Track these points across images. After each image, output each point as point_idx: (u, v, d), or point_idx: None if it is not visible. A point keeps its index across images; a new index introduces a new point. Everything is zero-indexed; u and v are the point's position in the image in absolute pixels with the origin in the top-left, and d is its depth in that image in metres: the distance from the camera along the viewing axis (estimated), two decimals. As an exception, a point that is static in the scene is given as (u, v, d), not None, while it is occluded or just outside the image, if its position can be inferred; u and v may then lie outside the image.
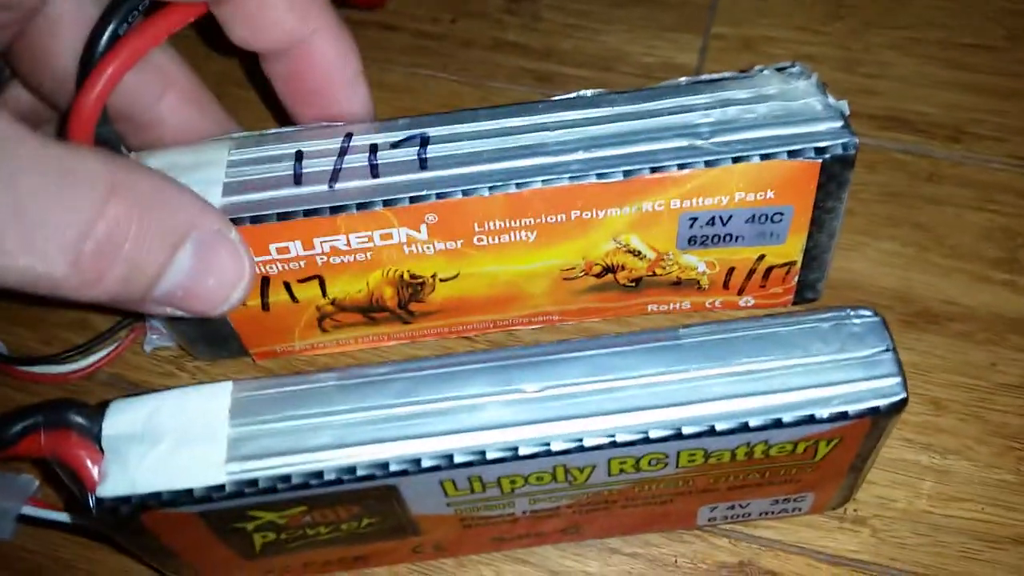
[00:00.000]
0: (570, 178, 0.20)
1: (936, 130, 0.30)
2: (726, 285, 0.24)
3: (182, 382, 0.27)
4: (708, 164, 0.20)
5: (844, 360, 0.19)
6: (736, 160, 0.20)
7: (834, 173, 0.21)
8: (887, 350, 0.19)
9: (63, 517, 0.23)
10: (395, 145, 0.20)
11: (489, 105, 0.22)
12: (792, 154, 0.20)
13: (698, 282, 0.24)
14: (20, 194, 0.16)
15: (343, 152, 0.20)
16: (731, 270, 0.23)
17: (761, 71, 0.22)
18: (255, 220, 0.20)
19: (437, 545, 0.23)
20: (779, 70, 0.22)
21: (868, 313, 0.20)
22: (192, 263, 0.19)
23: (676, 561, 0.23)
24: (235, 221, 0.20)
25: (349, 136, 0.21)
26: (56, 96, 0.23)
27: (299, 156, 0.20)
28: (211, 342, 0.25)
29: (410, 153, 0.20)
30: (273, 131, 0.22)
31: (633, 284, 0.24)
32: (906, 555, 0.23)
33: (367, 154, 0.20)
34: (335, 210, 0.20)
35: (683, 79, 0.22)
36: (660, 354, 0.19)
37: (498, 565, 0.24)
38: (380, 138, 0.21)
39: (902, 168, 0.30)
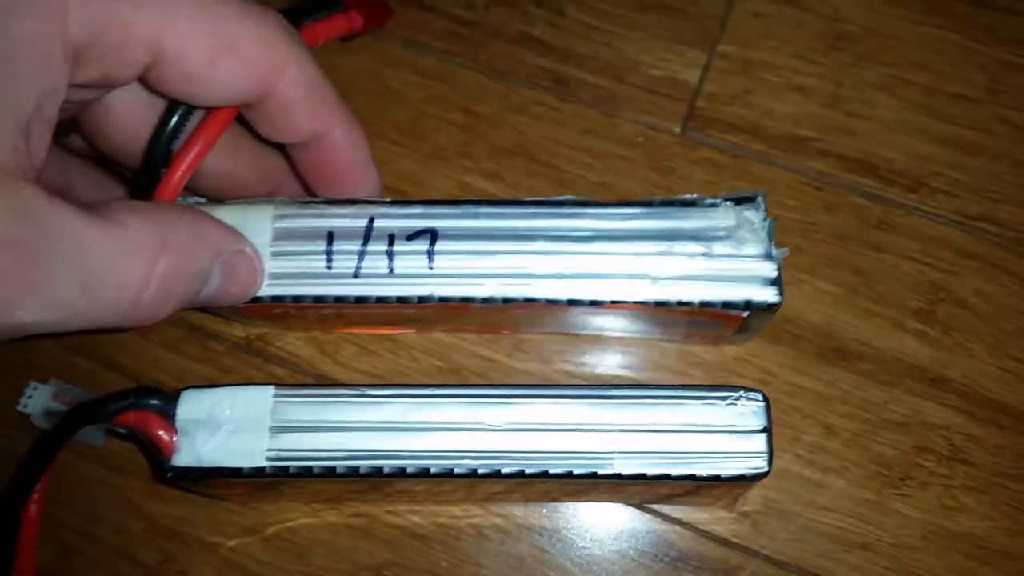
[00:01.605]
0: (547, 301, 0.25)
1: (897, 178, 0.34)
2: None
3: (235, 330, 0.33)
4: (657, 304, 0.25)
5: (729, 433, 0.25)
6: (680, 304, 0.25)
7: (760, 315, 0.26)
8: (763, 430, 0.25)
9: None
10: (410, 238, 0.25)
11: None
12: (726, 305, 0.25)
13: None
14: (85, 271, 0.20)
15: (367, 237, 0.25)
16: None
17: (725, 201, 0.25)
18: (296, 300, 0.26)
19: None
20: (740, 201, 0.25)
21: (758, 397, 0.25)
22: (219, 281, 0.24)
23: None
24: (279, 298, 0.25)
25: (372, 220, 0.26)
26: (111, 155, 0.27)
27: (330, 238, 0.25)
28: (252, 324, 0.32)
29: (421, 248, 0.25)
30: (308, 200, 0.26)
31: None
32: (774, 545, 0.30)
33: (386, 244, 0.25)
34: (360, 300, 0.25)
35: (656, 199, 0.26)
36: (591, 408, 0.26)
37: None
38: (397, 226, 0.26)
39: (857, 213, 0.34)
